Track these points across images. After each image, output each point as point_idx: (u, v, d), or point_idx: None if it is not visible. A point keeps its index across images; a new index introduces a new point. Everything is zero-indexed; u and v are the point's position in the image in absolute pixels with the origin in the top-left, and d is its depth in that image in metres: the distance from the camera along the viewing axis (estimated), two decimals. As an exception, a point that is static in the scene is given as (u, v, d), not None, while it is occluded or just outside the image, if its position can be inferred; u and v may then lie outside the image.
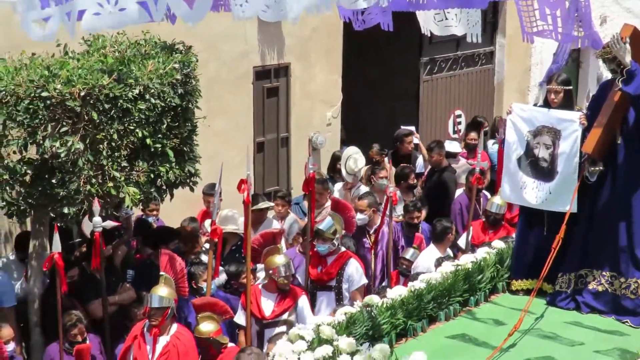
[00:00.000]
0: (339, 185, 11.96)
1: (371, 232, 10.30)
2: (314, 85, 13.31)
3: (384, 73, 15.20)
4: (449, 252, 9.90)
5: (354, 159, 11.77)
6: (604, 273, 8.24)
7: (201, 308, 8.21)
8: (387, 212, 9.80)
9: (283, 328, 8.31)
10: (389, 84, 15.23)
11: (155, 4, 4.84)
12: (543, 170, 8.36)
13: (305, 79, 13.17)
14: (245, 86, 12.38)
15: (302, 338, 6.98)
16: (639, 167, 8.13)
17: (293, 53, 12.90)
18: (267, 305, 8.64)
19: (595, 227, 8.27)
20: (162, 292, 7.83)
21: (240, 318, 8.56)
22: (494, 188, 11.36)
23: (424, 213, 11.20)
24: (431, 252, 9.83)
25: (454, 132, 14.81)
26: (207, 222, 10.18)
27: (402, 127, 13.35)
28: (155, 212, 10.71)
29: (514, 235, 9.31)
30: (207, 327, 8.12)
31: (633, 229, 8.13)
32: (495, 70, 16.40)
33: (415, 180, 11.96)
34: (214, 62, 11.79)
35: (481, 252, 8.83)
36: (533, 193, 8.41)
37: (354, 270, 9.19)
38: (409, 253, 9.82)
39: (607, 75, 9.37)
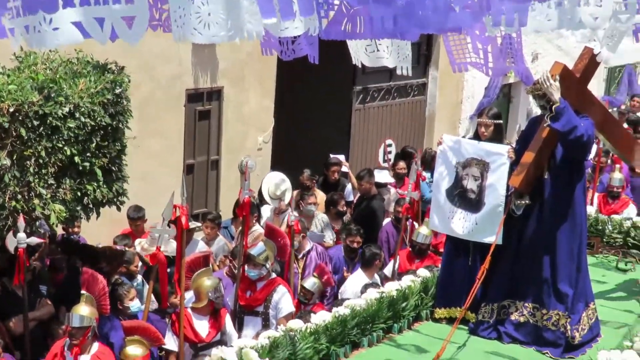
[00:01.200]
0: (267, 210, 11.94)
1: (300, 256, 10.29)
2: (246, 110, 13.30)
3: (317, 100, 15.24)
4: (377, 278, 9.91)
5: (275, 184, 11.77)
6: (526, 304, 8.35)
7: (131, 331, 8.10)
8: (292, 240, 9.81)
9: (218, 349, 8.24)
10: (321, 110, 15.27)
11: (101, 25, 4.80)
12: (471, 202, 8.47)
13: (237, 103, 13.15)
14: (177, 108, 12.32)
15: (224, 360, 6.94)
16: (565, 202, 8.27)
17: (226, 77, 12.88)
18: (202, 328, 8.56)
19: (520, 260, 8.39)
20: (83, 312, 7.70)
21: (170, 343, 8.43)
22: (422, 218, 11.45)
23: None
24: (359, 278, 9.84)
25: (384, 161, 14.88)
26: (137, 243, 10.10)
27: (332, 155, 13.37)
28: (77, 230, 10.59)
29: (421, 270, 9.40)
30: (135, 351, 7.98)
31: (557, 263, 8.26)
32: (427, 102, 16.54)
33: (344, 208, 11.99)
34: (148, 82, 11.73)
35: (406, 280, 8.87)
36: (460, 223, 8.51)
37: (282, 298, 9.15)
38: (308, 282, 9.56)
39: (536, 111, 9.52)
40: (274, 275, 9.31)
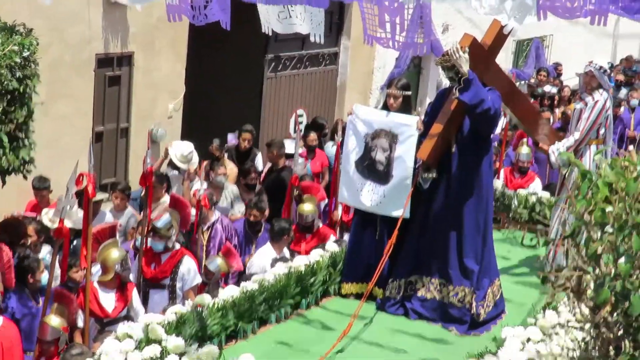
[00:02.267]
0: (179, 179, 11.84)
1: (204, 228, 10.21)
2: (157, 76, 13.13)
3: (229, 67, 15.14)
4: (286, 252, 9.88)
5: (183, 148, 11.69)
6: (433, 280, 8.36)
7: (58, 299, 7.95)
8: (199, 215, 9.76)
9: (125, 324, 8.16)
10: (233, 78, 15.17)
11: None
12: (379, 174, 8.43)
13: (148, 69, 12.98)
14: (87, 73, 12.11)
15: (130, 337, 6.84)
16: (471, 176, 8.29)
17: (137, 42, 12.69)
18: (108, 302, 8.46)
19: (427, 235, 8.39)
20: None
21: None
22: (330, 189, 11.48)
23: (266, 213, 11.20)
24: (267, 252, 9.79)
25: (295, 131, 14.88)
26: (44, 213, 9.91)
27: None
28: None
29: (330, 240, 9.42)
30: (54, 321, 7.85)
31: (463, 238, 8.28)
32: (338, 72, 16.55)
33: (254, 180, 11.93)
34: (58, 45, 11.49)
35: (315, 255, 8.85)
36: (368, 196, 8.46)
37: (189, 269, 9.09)
38: (212, 264, 9.41)
39: (446, 82, 9.55)
40: (178, 246, 9.24)
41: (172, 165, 12.01)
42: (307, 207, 10.31)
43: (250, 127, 13.12)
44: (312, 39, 8.48)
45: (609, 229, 4.00)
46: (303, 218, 10.30)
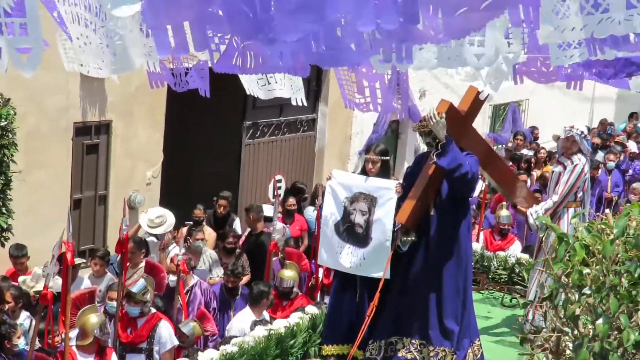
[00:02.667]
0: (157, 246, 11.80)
1: (183, 292, 10.19)
2: (135, 144, 13.17)
3: (207, 134, 15.20)
4: (265, 315, 9.86)
5: (153, 214, 11.66)
6: (413, 341, 8.37)
7: None
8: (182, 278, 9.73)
9: None
10: (211, 145, 15.23)
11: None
12: (358, 236, 8.49)
13: (126, 137, 13.02)
14: (65, 141, 12.14)
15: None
16: (450, 238, 8.35)
17: (115, 110, 12.74)
18: None
19: (407, 296, 8.42)
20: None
21: None
22: (310, 253, 11.47)
23: (245, 278, 11.18)
24: (246, 315, 9.77)
25: (274, 196, 14.90)
26: (21, 280, 9.87)
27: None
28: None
29: (309, 307, 9.40)
30: None
31: (443, 299, 8.32)
32: (316, 137, 16.63)
33: (233, 243, 11.89)
34: (35, 114, 11.52)
35: (294, 317, 8.85)
36: (348, 258, 8.50)
37: (165, 332, 9.07)
38: (186, 327, 9.40)
39: (424, 147, 9.62)
40: (153, 310, 9.24)
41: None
42: (288, 273, 10.30)
43: (227, 193, 13.15)
44: (293, 102, 8.56)
45: (586, 290, 4.03)
46: (283, 283, 10.26)
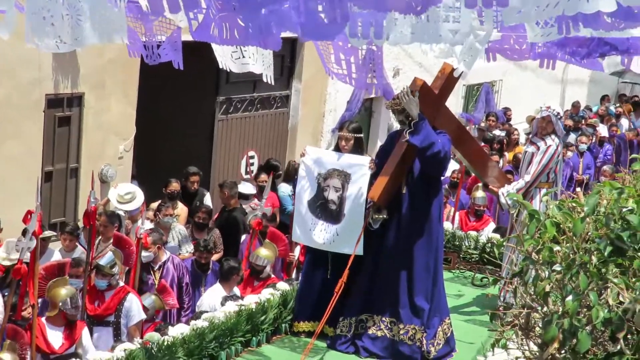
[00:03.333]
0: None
1: (156, 268, 10.18)
2: (107, 117, 13.09)
3: (180, 109, 15.12)
4: (236, 291, 9.86)
5: (123, 190, 11.62)
6: (383, 319, 8.41)
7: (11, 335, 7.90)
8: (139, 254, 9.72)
9: None
10: (184, 120, 15.16)
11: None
12: (332, 213, 8.51)
13: (99, 110, 12.93)
14: (37, 113, 12.05)
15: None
16: (421, 217, 8.39)
17: (88, 83, 12.65)
18: (56, 339, 8.40)
19: (378, 274, 8.45)
20: None
21: None
22: (285, 230, 11.47)
23: (217, 255, 11.18)
24: (216, 291, 9.78)
25: (246, 172, 14.90)
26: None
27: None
28: None
29: (280, 283, 9.41)
30: (6, 357, 7.79)
31: (414, 278, 8.36)
32: (290, 114, 16.60)
33: (204, 219, 11.85)
34: (6, 86, 11.43)
35: (265, 293, 8.86)
36: (321, 235, 8.53)
37: (133, 306, 9.07)
38: (147, 300, 9.38)
39: (397, 125, 9.64)
40: (121, 283, 9.24)
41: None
42: (264, 252, 10.23)
43: (196, 168, 13.10)
44: (264, 79, 8.54)
45: (556, 267, 4.05)
46: (257, 261, 10.20)
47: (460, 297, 10.15)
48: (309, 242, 8.72)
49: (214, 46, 7.89)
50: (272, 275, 10.38)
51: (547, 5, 4.01)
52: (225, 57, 8.18)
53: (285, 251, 10.68)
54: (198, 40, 5.39)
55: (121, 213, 11.51)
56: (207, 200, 13.02)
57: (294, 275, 10.67)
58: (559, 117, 9.54)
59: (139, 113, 13.62)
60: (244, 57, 8.20)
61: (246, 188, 13.04)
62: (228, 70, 8.53)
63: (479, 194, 12.98)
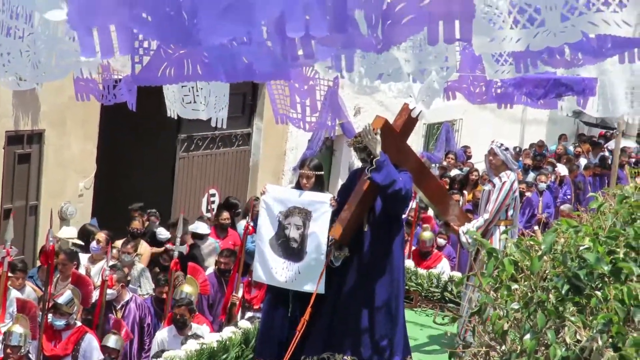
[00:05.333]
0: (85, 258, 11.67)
1: (118, 307, 10.10)
2: (68, 154, 13.05)
3: (141, 146, 15.10)
4: (195, 330, 9.75)
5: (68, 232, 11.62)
6: (345, 357, 8.36)
7: None
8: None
9: None
10: (146, 157, 15.14)
11: None
12: (293, 251, 8.48)
13: (59, 147, 12.89)
14: (-4, 150, 12.00)
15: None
16: (383, 255, 8.39)
17: (48, 120, 12.62)
18: None
19: (339, 312, 8.42)
20: None
21: None
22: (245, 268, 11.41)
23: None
24: (169, 330, 9.67)
25: (207, 210, 14.87)
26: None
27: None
28: None
29: (242, 321, 9.36)
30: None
31: (375, 315, 8.35)
32: (251, 152, 16.62)
33: (225, 264, 11.66)
34: (-36, 123, 11.39)
35: (227, 332, 8.82)
36: (283, 273, 8.50)
37: (90, 346, 8.99)
38: (110, 341, 9.19)
39: (358, 164, 9.67)
40: (79, 323, 9.16)
41: (75, 244, 11.91)
42: (187, 289, 10.13)
43: (137, 205, 13.00)
44: (213, 124, 8.48)
45: (514, 306, 4.07)
46: (180, 295, 10.04)
47: (422, 336, 10.15)
48: (271, 280, 8.68)
49: (165, 90, 7.86)
50: (196, 312, 10.27)
51: (510, 39, 4.07)
52: (175, 101, 8.11)
53: (206, 288, 10.57)
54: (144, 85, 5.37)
55: (79, 251, 11.44)
56: (162, 232, 12.88)
57: (239, 316, 10.52)
58: (504, 148, 9.62)
59: (100, 150, 13.59)
60: (195, 102, 8.12)
61: (202, 228, 12.89)
62: (174, 117, 8.44)
63: (426, 234, 13.05)
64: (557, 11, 3.95)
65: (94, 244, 11.41)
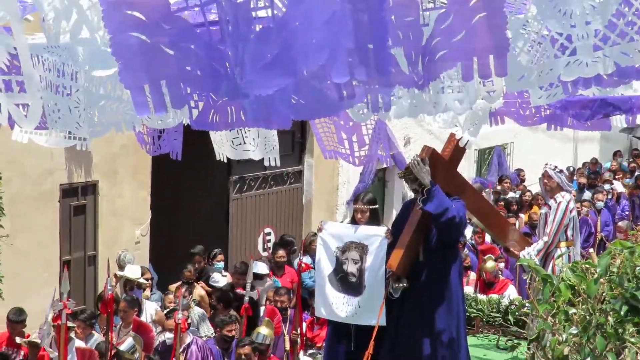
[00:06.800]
0: (150, 306, 11.72)
1: (180, 350, 10.14)
2: (122, 203, 13.18)
3: (194, 191, 15.22)
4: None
5: (132, 271, 11.72)
6: (410, 387, 8.36)
7: None
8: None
9: None
10: (199, 201, 15.25)
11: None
12: (352, 285, 8.51)
13: (112, 197, 13.03)
14: (51, 204, 12.14)
15: None
16: (440, 284, 8.36)
17: (100, 171, 12.77)
18: None
19: (400, 342, 8.40)
20: None
21: None
22: (305, 305, 11.45)
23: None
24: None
25: (264, 250, 14.91)
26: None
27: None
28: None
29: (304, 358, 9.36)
30: None
31: (437, 343, 8.30)
32: (304, 189, 16.66)
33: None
34: (18, 178, 11.53)
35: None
36: (343, 308, 8.53)
37: None
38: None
39: (411, 194, 9.67)
40: None
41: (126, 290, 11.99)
42: (264, 330, 10.18)
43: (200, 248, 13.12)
44: (266, 163, 8.53)
45: (573, 330, 4.04)
46: (258, 338, 10.07)
47: (486, 362, 10.08)
48: (332, 316, 8.71)
49: (212, 135, 7.92)
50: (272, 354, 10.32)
51: (549, 72, 4.04)
52: (224, 144, 8.17)
53: (279, 329, 10.63)
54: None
55: (140, 297, 11.52)
56: (216, 278, 12.96)
57: (301, 354, 10.53)
58: (557, 170, 9.57)
59: (154, 197, 13.71)
60: (245, 142, 8.18)
61: (261, 268, 12.96)
62: (224, 160, 8.49)
63: (489, 265, 12.92)
64: (590, 40, 3.92)
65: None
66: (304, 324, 11.06)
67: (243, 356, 9.56)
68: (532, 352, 4.20)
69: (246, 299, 10.71)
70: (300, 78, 3.81)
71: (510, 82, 4.19)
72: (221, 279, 12.80)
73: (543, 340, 4.10)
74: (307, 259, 13.16)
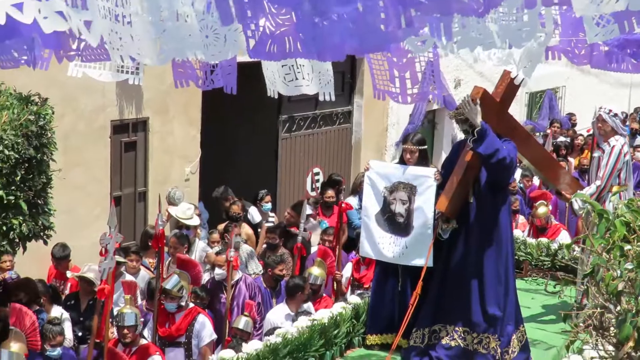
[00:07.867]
0: (202, 244, 11.80)
1: (228, 287, 10.23)
2: (172, 140, 13.24)
3: (244, 129, 15.25)
4: (305, 307, 9.83)
5: (182, 209, 11.79)
6: (456, 328, 8.37)
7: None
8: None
9: None
10: (248, 140, 15.28)
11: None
12: (400, 226, 8.52)
13: (163, 134, 13.10)
14: (102, 140, 12.24)
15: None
16: (490, 225, 8.34)
17: (151, 107, 12.82)
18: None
19: (448, 284, 8.42)
20: (13, 347, 7.62)
21: None
22: (353, 245, 11.47)
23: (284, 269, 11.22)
24: (281, 309, 9.76)
25: (312, 189, 14.95)
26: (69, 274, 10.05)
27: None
28: (9, 266, 10.35)
29: (352, 296, 9.40)
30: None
31: (485, 286, 8.30)
32: (353, 130, 16.64)
33: (272, 239, 11.81)
34: (71, 114, 11.62)
35: (337, 307, 8.88)
36: (390, 248, 8.54)
37: (203, 326, 9.13)
38: (242, 323, 9.30)
39: (461, 136, 9.61)
40: (191, 304, 9.30)
41: (176, 227, 12.07)
42: (317, 271, 10.23)
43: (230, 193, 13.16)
44: (321, 98, 8.45)
45: (628, 266, 4.01)
46: (310, 280, 10.17)
47: (534, 304, 10.06)
48: (378, 255, 8.73)
49: (264, 70, 7.87)
50: (324, 294, 10.37)
51: (609, 2, 3.97)
52: (276, 80, 8.11)
53: (333, 268, 10.67)
54: (254, 60, 5.39)
55: (189, 234, 11.61)
56: (254, 212, 12.99)
57: (349, 293, 10.57)
58: (612, 114, 9.45)
59: (204, 135, 13.76)
60: (297, 78, 8.11)
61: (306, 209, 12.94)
62: (275, 96, 8.43)
63: (541, 211, 12.80)
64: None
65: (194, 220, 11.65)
66: (349, 264, 11.08)
67: None
68: (586, 286, 4.18)
69: (299, 238, 10.76)
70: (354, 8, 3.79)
71: (579, 6, 4.08)
72: (256, 215, 12.86)
73: (597, 276, 4.08)
74: (352, 200, 13.18)
